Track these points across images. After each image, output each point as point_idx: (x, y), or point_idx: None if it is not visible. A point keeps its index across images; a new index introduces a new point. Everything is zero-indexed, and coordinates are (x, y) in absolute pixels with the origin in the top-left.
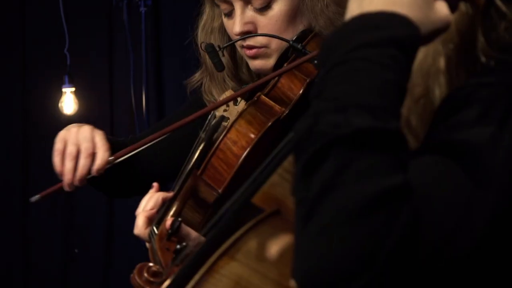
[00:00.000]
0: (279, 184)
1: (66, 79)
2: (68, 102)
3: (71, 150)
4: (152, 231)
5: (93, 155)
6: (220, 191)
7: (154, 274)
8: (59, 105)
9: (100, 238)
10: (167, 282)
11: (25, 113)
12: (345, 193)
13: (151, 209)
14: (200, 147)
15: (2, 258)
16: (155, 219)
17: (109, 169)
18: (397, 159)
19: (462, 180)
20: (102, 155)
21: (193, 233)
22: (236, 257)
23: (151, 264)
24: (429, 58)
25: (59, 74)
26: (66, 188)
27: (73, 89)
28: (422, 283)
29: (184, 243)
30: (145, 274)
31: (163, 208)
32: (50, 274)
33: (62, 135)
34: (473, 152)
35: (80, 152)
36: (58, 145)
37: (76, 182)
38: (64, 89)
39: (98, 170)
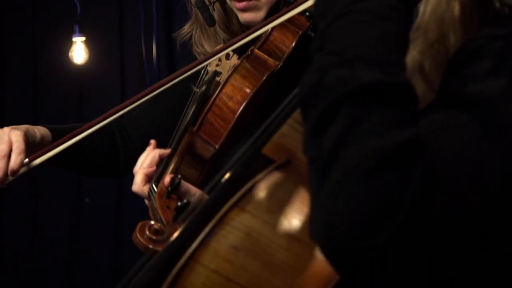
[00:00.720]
0: (289, 134)
1: (77, 28)
2: (79, 52)
3: None
4: (151, 189)
5: (8, 157)
6: (217, 146)
7: (156, 232)
8: (70, 54)
9: (112, 187)
10: (176, 233)
11: (36, 62)
12: (358, 150)
13: (149, 167)
14: (196, 103)
15: (12, 205)
16: (154, 176)
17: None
18: (407, 113)
19: (475, 133)
20: (14, 158)
21: (193, 189)
22: (247, 209)
23: (152, 222)
24: (443, 3)
25: (69, 24)
26: None
27: (83, 38)
28: (440, 240)
29: (185, 200)
30: (147, 232)
31: (161, 165)
32: (60, 223)
33: None
34: (485, 105)
35: None
36: None
37: None
38: (74, 39)
39: (11, 173)
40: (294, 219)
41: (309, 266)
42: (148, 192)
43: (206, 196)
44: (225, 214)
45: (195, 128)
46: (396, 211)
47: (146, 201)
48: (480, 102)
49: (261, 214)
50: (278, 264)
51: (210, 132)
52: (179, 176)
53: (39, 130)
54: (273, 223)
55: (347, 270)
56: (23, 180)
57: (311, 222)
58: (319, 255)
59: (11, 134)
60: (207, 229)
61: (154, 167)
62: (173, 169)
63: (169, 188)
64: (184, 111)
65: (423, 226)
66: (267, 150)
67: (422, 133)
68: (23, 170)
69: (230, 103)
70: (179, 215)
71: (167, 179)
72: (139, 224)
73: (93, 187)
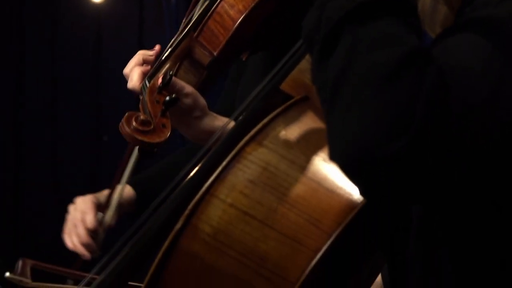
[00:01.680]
0: (307, 70)
1: None
2: None
3: (69, 226)
4: (144, 84)
5: (84, 221)
6: (215, 54)
7: (143, 122)
8: None
9: None
10: (196, 168)
11: (54, 1)
12: (365, 64)
13: (145, 65)
14: (200, 10)
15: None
16: (148, 74)
17: None
18: (409, 25)
19: (487, 50)
20: (87, 218)
21: (189, 88)
22: (264, 143)
23: (139, 113)
24: None
25: None
26: (85, 257)
27: None
28: (458, 168)
29: (174, 95)
30: (134, 123)
31: (156, 64)
32: (79, 163)
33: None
34: (497, 25)
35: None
36: (64, 229)
37: (86, 251)
38: None
39: (91, 231)
40: (311, 154)
41: (325, 200)
42: (141, 88)
43: (200, 96)
44: (242, 148)
45: (195, 34)
46: (409, 118)
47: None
48: (491, 22)
49: (279, 148)
50: (294, 199)
51: (210, 39)
52: (171, 72)
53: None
54: (290, 157)
55: (368, 187)
56: (43, 121)
57: (329, 144)
58: (336, 190)
59: (80, 201)
60: (224, 163)
61: (149, 67)
62: (168, 68)
63: (161, 84)
64: (189, 16)
65: (437, 136)
66: (285, 85)
67: (434, 54)
68: (101, 229)
69: (231, 12)
70: (167, 109)
71: (160, 75)
72: (126, 114)
73: (111, 126)
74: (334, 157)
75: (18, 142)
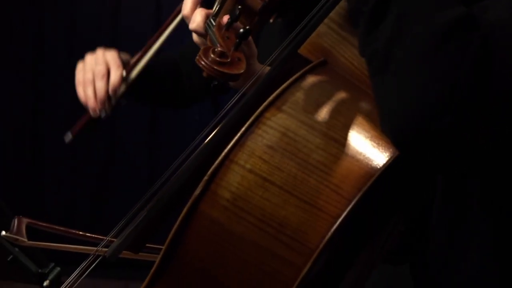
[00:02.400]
0: (326, 34)
1: None
2: None
3: (87, 76)
4: (209, 23)
5: (107, 76)
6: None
7: (221, 54)
8: None
9: None
10: (213, 133)
11: None
12: (414, 34)
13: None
14: None
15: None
16: (211, 14)
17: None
18: None
19: None
20: (114, 73)
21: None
22: (283, 108)
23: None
24: None
25: None
26: (93, 114)
27: None
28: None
29: (247, 27)
30: (212, 55)
31: (216, 4)
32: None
33: (79, 66)
34: None
35: (95, 76)
36: (77, 76)
37: (98, 106)
38: None
39: (113, 89)
40: (330, 119)
41: (345, 166)
42: (205, 27)
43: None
44: (261, 114)
45: None
46: (459, 87)
47: (198, 40)
48: None
49: (298, 114)
50: (314, 164)
51: None
52: (239, 6)
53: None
54: (310, 123)
55: (418, 159)
56: (61, 86)
57: (381, 115)
58: (355, 155)
59: (106, 54)
60: (243, 129)
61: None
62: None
63: (230, 20)
64: None
65: (487, 103)
66: (303, 49)
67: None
68: (123, 87)
69: None
70: (241, 42)
71: (224, 12)
72: (202, 48)
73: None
74: (386, 131)
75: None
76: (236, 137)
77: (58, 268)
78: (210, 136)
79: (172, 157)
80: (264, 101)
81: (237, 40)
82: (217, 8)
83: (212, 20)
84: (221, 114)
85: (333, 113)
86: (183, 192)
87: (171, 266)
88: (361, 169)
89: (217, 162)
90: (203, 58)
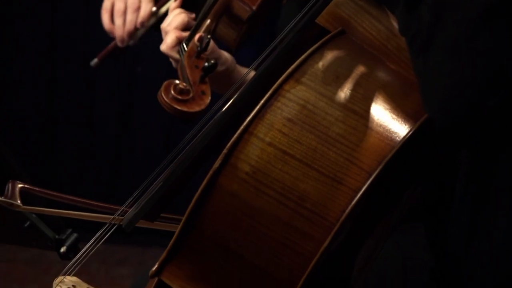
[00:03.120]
0: (344, 3)
1: None
2: None
3: (119, 6)
4: (181, 48)
5: (139, 10)
6: (254, 8)
7: (181, 91)
8: None
9: (164, 57)
10: (230, 102)
11: None
12: (457, 15)
13: (180, 29)
14: None
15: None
16: (185, 37)
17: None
18: None
19: None
20: (144, 7)
21: (225, 54)
22: (302, 80)
23: (177, 81)
24: None
25: None
26: (120, 44)
27: None
28: None
29: (212, 61)
30: (172, 92)
31: (193, 26)
32: (114, 94)
33: None
34: None
35: (127, 8)
36: (106, 3)
37: (125, 37)
38: None
39: (142, 22)
40: (350, 91)
41: (365, 138)
42: (178, 51)
43: (235, 63)
44: (280, 86)
45: None
46: (506, 67)
47: (173, 63)
48: None
49: (317, 85)
50: (333, 137)
51: None
52: (209, 36)
53: None
54: (329, 95)
55: (461, 141)
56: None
57: (424, 98)
58: (376, 128)
59: None
60: (261, 101)
61: (187, 33)
62: (207, 27)
63: (199, 48)
64: None
65: None
66: (321, 19)
67: None
68: (152, 20)
69: None
70: (206, 75)
71: (197, 37)
72: (164, 83)
73: (146, 58)
74: (431, 113)
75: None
76: (255, 110)
77: (75, 234)
78: (227, 106)
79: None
80: (282, 72)
81: (202, 73)
82: (191, 31)
83: (184, 45)
84: (238, 84)
85: (352, 85)
86: (199, 161)
87: (190, 239)
88: (381, 141)
89: (236, 135)
90: (163, 95)
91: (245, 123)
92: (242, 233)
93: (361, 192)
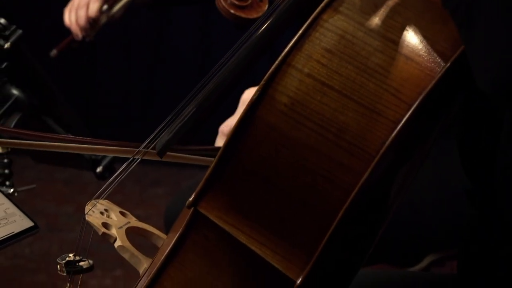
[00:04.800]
0: None
1: None
2: None
3: (73, 4)
4: None
5: (87, 6)
6: None
7: None
8: None
9: None
10: (266, 25)
11: None
12: None
13: None
14: None
15: None
16: None
17: None
18: None
19: None
20: (92, 5)
21: None
22: (340, 10)
23: None
24: None
25: None
26: (76, 37)
27: None
28: None
29: None
30: None
31: None
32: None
33: None
34: None
35: (78, 5)
36: (69, 4)
37: (79, 32)
38: None
39: (90, 18)
40: (388, 20)
41: (405, 69)
42: None
43: None
44: (318, 16)
45: None
46: None
47: None
48: None
49: (355, 15)
50: (372, 67)
51: None
52: None
53: None
54: (367, 24)
55: None
56: None
57: (474, 72)
58: (415, 58)
59: None
60: (300, 32)
61: None
62: None
63: None
64: None
65: None
66: None
67: None
68: (104, 18)
69: None
70: None
71: None
72: None
73: None
74: (482, 86)
75: None
76: (293, 41)
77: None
78: (260, 32)
79: (224, 48)
80: (321, 2)
81: None
82: None
83: None
84: (273, 10)
85: (391, 13)
86: (232, 86)
87: (227, 170)
88: (421, 72)
89: (274, 66)
90: (221, 1)
91: (283, 54)
92: (280, 165)
93: (401, 124)
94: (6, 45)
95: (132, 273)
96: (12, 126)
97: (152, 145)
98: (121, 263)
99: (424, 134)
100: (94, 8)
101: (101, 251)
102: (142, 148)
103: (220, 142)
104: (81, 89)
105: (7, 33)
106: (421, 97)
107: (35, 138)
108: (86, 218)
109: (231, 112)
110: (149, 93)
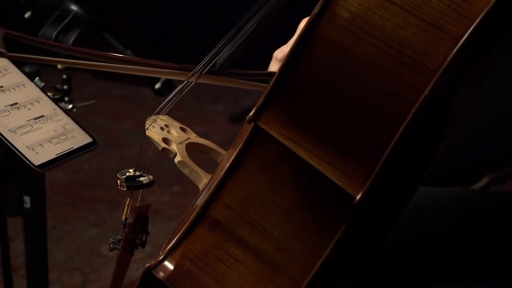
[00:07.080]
0: None
1: None
2: None
3: None
4: None
5: None
6: None
7: None
8: None
9: None
10: None
11: None
12: None
13: None
14: None
15: None
16: None
17: None
18: None
19: None
20: None
21: None
22: None
23: None
24: None
25: None
26: None
27: None
28: None
29: None
30: None
31: None
32: None
33: None
34: None
35: None
36: None
37: None
38: None
39: None
40: None
41: None
42: None
43: None
44: None
45: None
46: None
47: None
48: None
49: None
50: None
51: None
52: None
53: None
54: None
55: None
56: None
57: None
58: None
59: None
60: None
61: None
62: None
63: None
64: None
65: None
66: None
67: None
68: None
69: None
70: None
71: None
72: None
73: None
74: None
75: None
76: None
77: None
78: None
79: None
80: None
81: None
82: None
83: None
84: None
85: None
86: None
87: (288, 85)
88: None
89: None
90: None
91: None
92: (341, 81)
93: (463, 39)
94: None
95: (191, 189)
96: (70, 42)
97: (212, 62)
98: (179, 179)
99: (485, 48)
100: None
101: (160, 167)
102: (202, 65)
103: (274, 67)
104: (140, 5)
105: None
106: (483, 13)
107: (92, 57)
108: (147, 133)
109: (286, 41)
110: (210, 9)
